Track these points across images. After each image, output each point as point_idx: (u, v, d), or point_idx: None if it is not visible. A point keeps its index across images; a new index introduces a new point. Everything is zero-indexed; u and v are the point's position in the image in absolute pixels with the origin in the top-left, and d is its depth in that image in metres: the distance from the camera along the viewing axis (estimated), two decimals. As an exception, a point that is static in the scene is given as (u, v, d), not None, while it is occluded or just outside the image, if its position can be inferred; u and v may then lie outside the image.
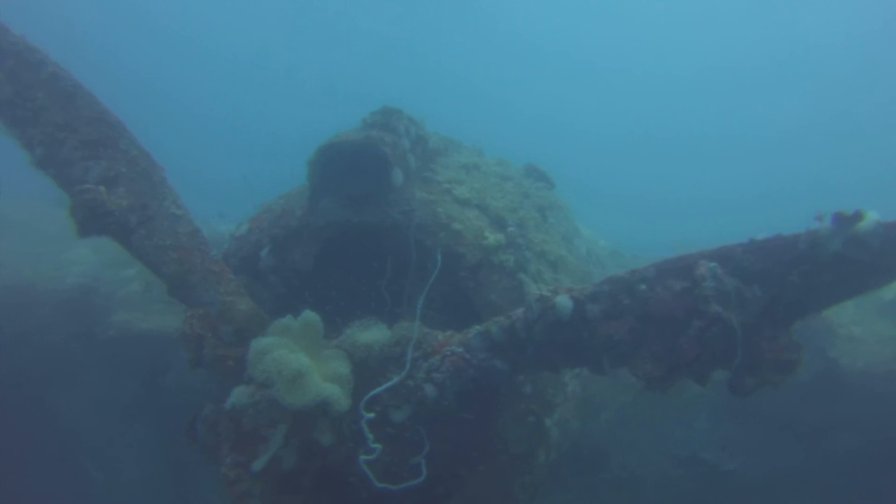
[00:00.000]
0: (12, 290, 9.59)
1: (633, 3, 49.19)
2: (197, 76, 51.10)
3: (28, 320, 9.31)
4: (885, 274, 3.87)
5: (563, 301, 4.18)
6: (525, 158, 7.43)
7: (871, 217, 3.76)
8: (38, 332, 9.23)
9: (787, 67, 46.85)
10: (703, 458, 5.99)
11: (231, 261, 5.62)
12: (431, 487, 4.67)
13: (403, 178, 5.32)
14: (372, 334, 4.60)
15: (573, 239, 6.80)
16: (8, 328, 9.15)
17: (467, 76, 50.83)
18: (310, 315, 4.49)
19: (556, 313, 4.18)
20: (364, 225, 5.35)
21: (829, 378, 6.63)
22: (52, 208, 14.06)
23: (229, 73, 51.19)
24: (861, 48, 43.59)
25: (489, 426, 5.06)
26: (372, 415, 4.22)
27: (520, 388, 5.01)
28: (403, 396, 4.40)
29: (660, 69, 50.13)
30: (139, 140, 5.28)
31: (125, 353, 8.99)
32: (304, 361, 4.20)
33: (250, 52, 50.59)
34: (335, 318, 4.97)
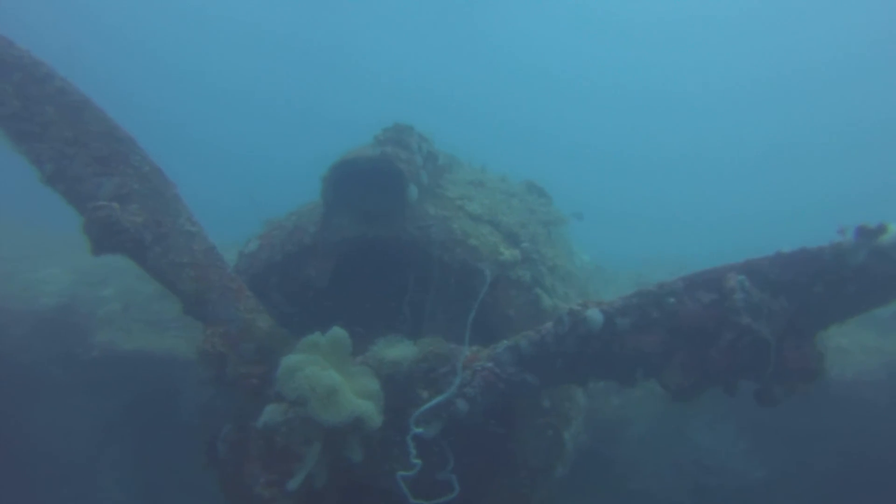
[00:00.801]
0: (-17, 311, 9.30)
1: (611, 14, 49.85)
2: (188, 98, 50.76)
3: (3, 341, 9.02)
4: (906, 285, 4.03)
5: (594, 314, 4.24)
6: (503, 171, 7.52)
7: (894, 230, 3.92)
8: (15, 354, 8.95)
9: (785, 83, 47.61)
10: (731, 468, 6.11)
11: (241, 277, 5.55)
12: (456, 502, 4.67)
13: (418, 194, 5.33)
14: (398, 350, 4.59)
15: (571, 254, 6.91)
16: (-19, 350, 8.88)
17: (445, 89, 51.08)
18: (338, 331, 4.47)
19: (587, 326, 4.24)
20: (379, 241, 5.35)
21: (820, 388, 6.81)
22: (21, 227, 13.74)
23: (221, 96, 50.93)
24: (858, 64, 44.58)
25: (509, 440, 5.08)
26: (421, 430, 4.20)
27: (539, 401, 5.04)
28: (434, 411, 4.39)
29: (638, 84, 51.01)
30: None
31: (110, 374, 8.77)
32: (337, 378, 4.18)
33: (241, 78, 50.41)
34: (352, 334, 4.97)
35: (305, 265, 5.45)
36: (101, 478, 9.06)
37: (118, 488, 9.00)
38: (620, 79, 51.39)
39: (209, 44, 50.31)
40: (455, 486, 4.36)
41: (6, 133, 5.03)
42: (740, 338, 4.04)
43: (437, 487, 4.46)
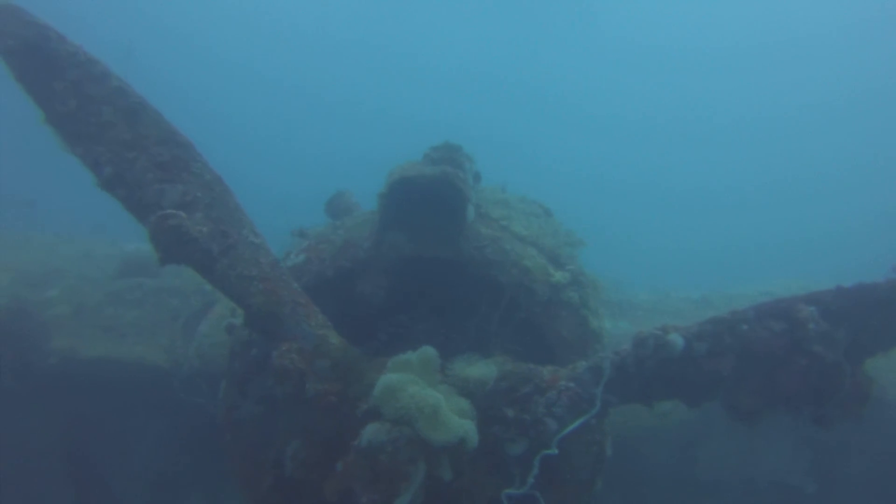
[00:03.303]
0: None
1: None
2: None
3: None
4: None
5: (676, 339, 4.51)
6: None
7: (945, 269, 4.42)
8: (-40, 361, 8.30)
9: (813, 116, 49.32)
10: (790, 483, 6.53)
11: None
12: None
13: (474, 215, 5.45)
14: (480, 369, 4.68)
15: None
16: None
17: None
18: (428, 350, 4.51)
19: (668, 350, 4.49)
20: (436, 260, 5.41)
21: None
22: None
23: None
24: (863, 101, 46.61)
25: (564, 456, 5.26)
26: (555, 451, 4.31)
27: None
28: (519, 430, 4.52)
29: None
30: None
31: (74, 383, 8.28)
32: (439, 398, 4.23)
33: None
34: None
35: (359, 281, 5.43)
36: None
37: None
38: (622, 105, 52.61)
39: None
40: (540, 501, 4.50)
41: (61, 133, 4.77)
42: (812, 365, 4.41)
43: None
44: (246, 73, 52.99)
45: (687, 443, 6.58)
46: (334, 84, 55.25)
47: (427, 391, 4.24)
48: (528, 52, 52.12)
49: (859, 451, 6.96)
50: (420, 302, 5.60)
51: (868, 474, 7.02)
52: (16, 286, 9.78)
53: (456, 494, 4.48)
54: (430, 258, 5.41)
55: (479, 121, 52.38)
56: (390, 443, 4.13)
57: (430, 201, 5.34)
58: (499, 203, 6.42)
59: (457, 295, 5.56)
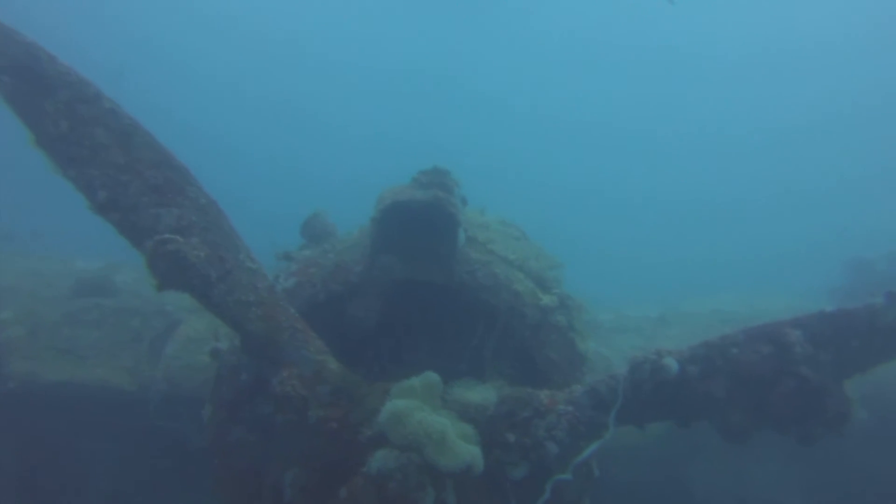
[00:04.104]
0: None
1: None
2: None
3: None
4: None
5: (671, 362, 4.65)
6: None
7: (921, 296, 4.67)
8: None
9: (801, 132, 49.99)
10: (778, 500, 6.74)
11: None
12: None
13: (464, 239, 5.51)
14: (480, 394, 4.74)
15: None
16: None
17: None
18: (431, 375, 4.55)
19: (663, 374, 4.63)
20: (428, 283, 5.45)
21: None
22: None
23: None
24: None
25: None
26: (569, 476, 4.37)
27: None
28: (520, 453, 4.59)
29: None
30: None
31: (32, 407, 8.00)
32: (446, 423, 4.27)
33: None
34: (398, 375, 5.05)
35: (351, 305, 5.43)
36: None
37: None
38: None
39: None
40: None
41: (53, 157, 4.65)
42: (800, 386, 4.61)
43: None
44: (222, 86, 52.65)
45: (669, 461, 6.75)
46: (317, 100, 55.23)
47: (434, 417, 4.27)
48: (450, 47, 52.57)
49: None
50: (413, 326, 5.63)
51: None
52: (-35, 307, 9.42)
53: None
54: (423, 282, 5.45)
55: (426, 127, 52.90)
56: (399, 469, 4.15)
57: (422, 225, 5.39)
58: (481, 226, 6.51)
59: (449, 319, 5.60)
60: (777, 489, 6.98)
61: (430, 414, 4.30)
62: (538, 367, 5.46)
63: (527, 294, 5.57)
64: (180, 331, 8.94)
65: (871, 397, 6.96)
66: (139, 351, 9.04)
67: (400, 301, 5.52)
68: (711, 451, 6.94)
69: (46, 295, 10.26)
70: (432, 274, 5.45)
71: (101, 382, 8.28)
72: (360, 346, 5.48)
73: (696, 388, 4.68)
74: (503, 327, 5.45)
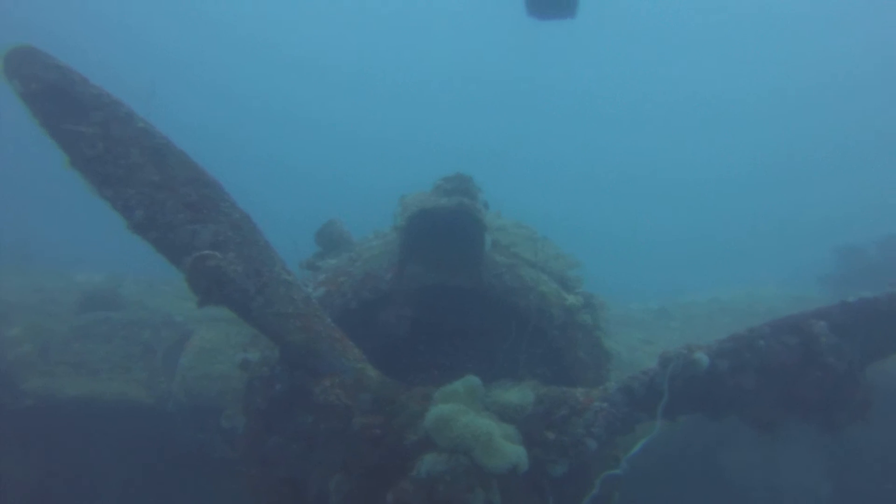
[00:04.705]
0: None
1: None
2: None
3: None
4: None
5: (701, 357, 4.79)
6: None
7: (941, 283, 4.86)
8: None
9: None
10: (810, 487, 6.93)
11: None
12: None
13: (490, 243, 5.63)
14: (517, 395, 4.85)
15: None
16: None
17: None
18: (472, 379, 4.66)
19: (695, 368, 4.77)
20: (458, 288, 5.55)
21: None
22: None
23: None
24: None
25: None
26: (620, 471, 4.50)
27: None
28: (560, 451, 4.71)
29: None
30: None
31: (55, 424, 8.02)
32: (492, 425, 4.39)
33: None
34: (429, 378, 5.16)
35: (383, 312, 5.52)
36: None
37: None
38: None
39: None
40: None
41: (89, 177, 4.70)
42: (826, 375, 4.77)
43: None
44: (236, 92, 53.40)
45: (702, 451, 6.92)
46: (341, 112, 55.87)
47: (479, 420, 4.39)
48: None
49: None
50: (444, 331, 5.73)
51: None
52: (-28, 325, 9.41)
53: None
54: (452, 287, 5.55)
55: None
56: (449, 472, 4.25)
57: (449, 232, 5.50)
58: (499, 230, 6.62)
59: (480, 322, 5.71)
60: (806, 475, 7.18)
61: (475, 417, 4.41)
62: (567, 365, 5.59)
63: (552, 295, 5.70)
64: (193, 341, 8.99)
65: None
66: (152, 363, 9.08)
67: (430, 307, 5.62)
68: (742, 441, 7.12)
69: (52, 311, 10.27)
70: (461, 279, 5.56)
71: (119, 396, 8.32)
72: (393, 352, 5.57)
73: (727, 382, 4.82)
74: (536, 329, 5.56)
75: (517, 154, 52.38)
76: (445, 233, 5.49)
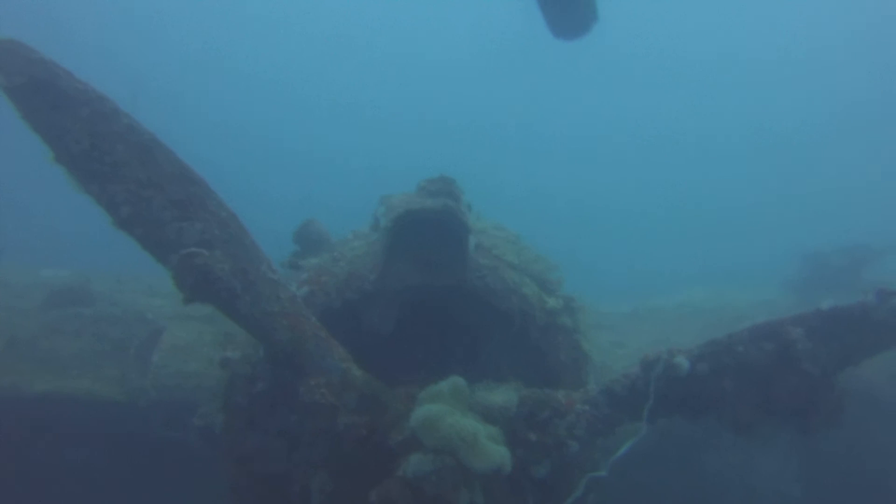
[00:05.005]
0: None
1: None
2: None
3: None
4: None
5: (682, 361, 4.90)
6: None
7: (907, 293, 5.01)
8: None
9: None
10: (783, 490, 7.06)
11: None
12: None
13: (474, 245, 5.68)
14: (501, 396, 4.91)
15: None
16: None
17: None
18: (457, 380, 4.71)
19: (676, 371, 4.87)
20: (441, 289, 5.59)
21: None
22: None
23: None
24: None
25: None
26: (604, 473, 4.56)
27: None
28: (543, 452, 4.78)
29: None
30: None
31: (17, 421, 7.87)
32: (478, 426, 4.44)
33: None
34: (413, 380, 5.20)
35: (367, 312, 5.54)
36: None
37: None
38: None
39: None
40: None
41: (75, 173, 4.65)
42: (802, 380, 4.90)
43: None
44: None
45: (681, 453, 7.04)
46: (330, 83, 55.61)
47: (465, 420, 4.44)
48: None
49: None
50: (427, 331, 5.77)
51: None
52: (-63, 320, 9.21)
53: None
54: (436, 288, 5.59)
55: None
56: (435, 472, 4.30)
57: (434, 233, 5.54)
58: (480, 232, 6.67)
59: (463, 323, 5.76)
60: (780, 478, 7.35)
61: (461, 418, 4.46)
62: (548, 367, 5.67)
63: (534, 297, 5.77)
64: (165, 339, 8.90)
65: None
66: (123, 360, 8.96)
67: (415, 307, 5.66)
68: (720, 443, 7.26)
69: (19, 306, 10.09)
70: (445, 279, 5.60)
71: (89, 393, 8.20)
72: (376, 352, 5.58)
73: (706, 385, 4.93)
74: (520, 331, 5.63)
75: (495, 128, 52.68)
76: (430, 234, 5.52)
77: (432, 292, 5.63)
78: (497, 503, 4.69)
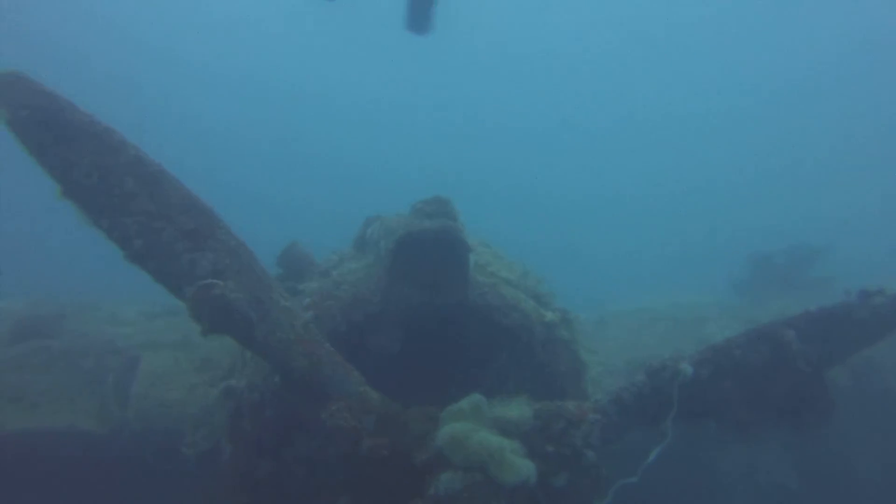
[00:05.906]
0: None
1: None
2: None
3: None
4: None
5: (686, 367, 5.11)
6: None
7: (890, 291, 5.34)
8: None
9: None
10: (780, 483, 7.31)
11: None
12: None
13: (473, 263, 5.81)
14: (516, 410, 5.03)
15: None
16: None
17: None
18: (476, 397, 4.81)
19: (681, 378, 5.08)
20: (444, 307, 5.69)
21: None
22: None
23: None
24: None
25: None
26: (635, 479, 4.69)
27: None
28: (560, 463, 4.92)
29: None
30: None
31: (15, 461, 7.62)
32: (504, 442, 4.55)
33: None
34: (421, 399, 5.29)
35: (374, 334, 5.61)
36: None
37: None
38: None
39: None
40: None
41: (83, 208, 4.61)
42: (797, 380, 5.18)
43: None
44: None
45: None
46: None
47: (491, 437, 4.54)
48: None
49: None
50: (433, 349, 5.86)
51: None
52: None
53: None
54: (439, 307, 5.69)
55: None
56: (466, 489, 4.39)
57: (434, 253, 5.64)
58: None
59: (468, 340, 5.87)
60: (778, 471, 7.67)
61: (487, 434, 4.57)
62: (551, 379, 5.82)
63: (532, 312, 5.92)
64: (143, 368, 8.74)
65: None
66: (98, 392, 8.75)
67: (419, 327, 5.74)
68: (726, 442, 7.54)
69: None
70: (448, 298, 5.70)
71: (68, 428, 7.99)
72: (383, 373, 5.64)
73: (707, 389, 5.16)
74: (525, 346, 5.78)
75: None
76: (431, 255, 5.62)
77: (436, 311, 5.73)
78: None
